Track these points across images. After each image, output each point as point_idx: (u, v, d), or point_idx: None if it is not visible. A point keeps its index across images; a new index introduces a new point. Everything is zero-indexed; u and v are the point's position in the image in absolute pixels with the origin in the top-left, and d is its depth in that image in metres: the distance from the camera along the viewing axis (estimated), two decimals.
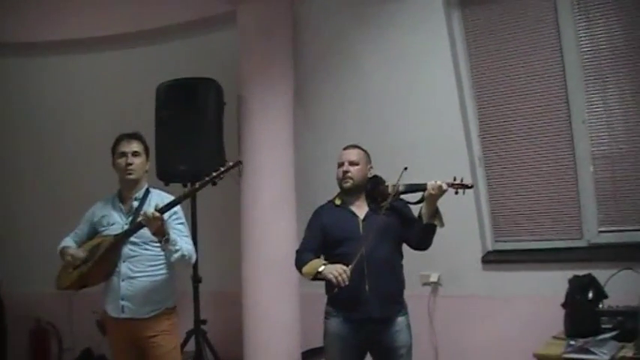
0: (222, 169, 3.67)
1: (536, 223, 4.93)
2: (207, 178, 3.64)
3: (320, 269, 3.51)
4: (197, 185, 3.70)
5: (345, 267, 3.44)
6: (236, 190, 5.07)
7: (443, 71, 4.94)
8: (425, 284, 5.11)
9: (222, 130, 5.09)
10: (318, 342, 5.20)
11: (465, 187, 3.65)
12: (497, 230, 5.07)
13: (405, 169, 3.61)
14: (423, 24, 4.98)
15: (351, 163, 3.79)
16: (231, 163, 3.71)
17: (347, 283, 3.41)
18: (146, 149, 3.93)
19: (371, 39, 5.23)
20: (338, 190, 3.88)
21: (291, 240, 4.94)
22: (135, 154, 3.84)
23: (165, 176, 4.95)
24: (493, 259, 4.99)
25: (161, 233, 3.55)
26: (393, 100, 5.16)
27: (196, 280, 5.13)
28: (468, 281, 5.03)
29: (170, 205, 3.63)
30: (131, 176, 3.83)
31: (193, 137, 4.91)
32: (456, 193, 3.64)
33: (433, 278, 5.10)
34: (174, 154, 4.95)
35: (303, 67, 5.42)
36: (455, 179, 3.64)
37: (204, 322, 5.13)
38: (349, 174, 3.77)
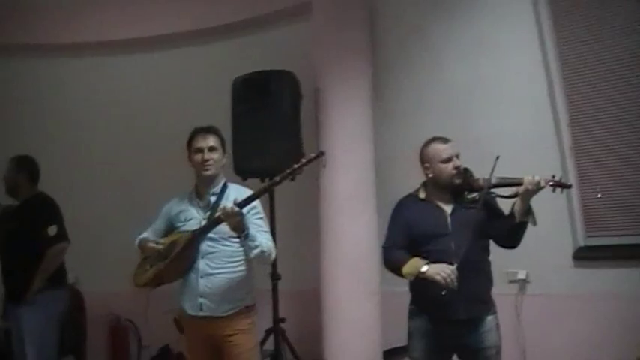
0: (303, 160, 3.52)
1: (630, 217, 4.65)
2: (287, 171, 3.47)
3: (423, 269, 3.33)
4: (277, 179, 3.53)
5: (451, 267, 3.27)
6: (314, 186, 4.98)
7: (530, 58, 4.74)
8: (511, 282, 4.91)
9: (300, 123, 5.00)
10: (398, 341, 5.13)
11: (564, 186, 3.44)
12: (589, 225, 4.81)
13: (498, 158, 3.38)
14: (508, 10, 4.81)
15: (458, 157, 3.57)
16: (313, 155, 3.56)
17: (456, 284, 3.24)
18: (222, 143, 3.84)
19: (452, 27, 5.08)
20: (418, 184, 3.69)
21: (372, 236, 4.84)
22: (211, 149, 3.75)
23: (243, 172, 4.88)
24: (585, 255, 4.75)
25: (240, 228, 3.45)
26: (476, 91, 4.99)
27: (275, 277, 5.05)
28: (557, 279, 4.78)
29: (249, 200, 3.51)
30: (208, 172, 3.75)
31: (270, 131, 4.85)
32: (553, 191, 3.43)
33: (520, 275, 4.90)
34: (251, 149, 4.87)
35: (381, 58, 5.29)
36: (553, 177, 3.42)
37: (282, 320, 5.06)
38: (461, 168, 3.55)
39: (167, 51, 6.31)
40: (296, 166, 3.48)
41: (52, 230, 4.61)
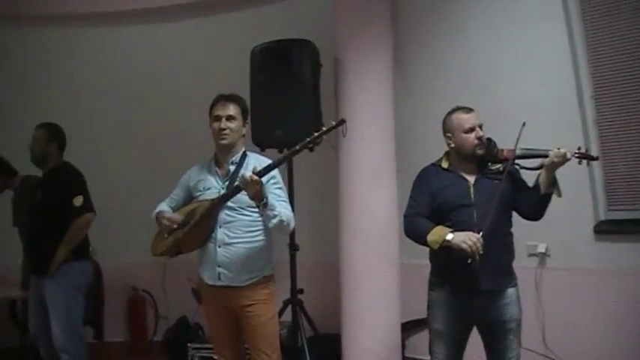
0: (324, 128, 3.44)
1: None
2: (307, 139, 3.41)
3: (448, 237, 3.27)
4: (297, 147, 3.44)
5: (477, 235, 3.22)
6: (333, 156, 4.92)
7: (554, 28, 4.64)
8: (531, 255, 4.86)
9: (319, 93, 4.94)
10: (417, 314, 5.11)
11: (591, 158, 3.41)
12: (611, 198, 4.73)
13: (524, 124, 3.33)
14: None
15: (480, 127, 3.51)
16: (333, 123, 3.46)
17: (481, 252, 3.19)
18: (243, 112, 3.75)
19: None
20: (439, 155, 3.64)
21: (392, 208, 4.80)
22: (229, 118, 3.66)
23: (261, 142, 4.84)
24: (606, 229, 4.68)
25: (259, 197, 3.37)
26: (498, 62, 4.91)
27: (293, 248, 5.03)
28: (578, 253, 4.73)
29: (269, 168, 3.44)
30: (224, 141, 3.67)
31: (289, 101, 4.80)
32: (580, 163, 3.39)
33: (541, 249, 4.84)
34: (270, 119, 4.83)
35: (402, 28, 5.21)
36: (579, 148, 3.38)
37: (301, 291, 5.04)
38: (483, 138, 3.49)
39: (185, 20, 6.24)
40: (316, 134, 3.42)
41: (78, 201, 4.52)
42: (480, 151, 3.48)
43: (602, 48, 4.63)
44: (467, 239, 3.21)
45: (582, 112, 4.69)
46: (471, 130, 3.49)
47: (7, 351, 5.78)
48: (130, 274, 6.41)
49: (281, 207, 3.54)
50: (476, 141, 3.48)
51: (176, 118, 6.19)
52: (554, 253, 4.85)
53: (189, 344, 5.66)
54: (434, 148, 3.70)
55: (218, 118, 3.68)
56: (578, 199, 4.61)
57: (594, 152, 4.59)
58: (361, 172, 4.87)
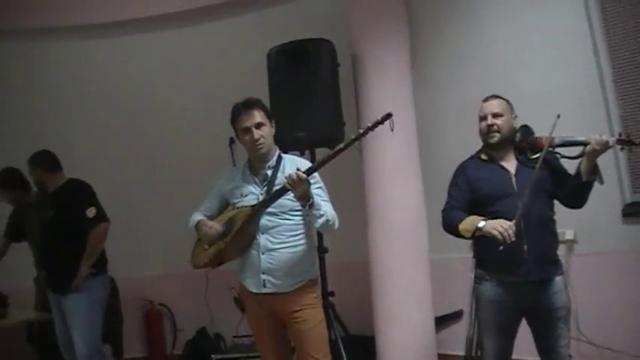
0: (369, 124, 3.34)
1: None
2: (353, 137, 3.33)
3: (480, 225, 3.29)
4: (342, 145, 3.35)
5: (508, 222, 3.20)
6: (356, 155, 4.87)
7: (573, 16, 4.65)
8: (560, 242, 4.81)
9: (339, 91, 4.90)
10: (449, 308, 5.08)
11: (632, 143, 3.37)
12: (636, 180, 4.72)
13: (559, 116, 3.33)
14: None
15: (495, 116, 3.50)
16: (379, 118, 3.35)
17: (513, 239, 3.18)
18: (267, 113, 3.64)
19: None
20: (461, 148, 3.64)
21: (418, 203, 4.78)
22: (259, 125, 3.55)
23: (283, 143, 4.71)
24: (633, 211, 4.66)
25: (305, 197, 3.29)
26: (516, 51, 4.90)
27: (322, 250, 4.95)
28: (606, 237, 4.71)
29: (315, 168, 3.38)
30: (262, 150, 3.57)
31: (309, 101, 4.75)
32: (622, 149, 3.41)
33: (569, 236, 4.80)
34: (291, 121, 4.72)
35: (418, 23, 5.18)
36: (620, 135, 3.38)
37: (331, 294, 4.98)
38: (495, 127, 3.49)
39: (197, 25, 6.18)
40: (362, 131, 3.34)
41: (91, 212, 4.55)
42: (491, 140, 3.51)
43: (621, 31, 4.62)
44: (498, 226, 3.22)
45: (605, 96, 4.68)
46: (484, 118, 3.53)
47: None
48: (144, 287, 6.31)
49: (326, 206, 3.48)
50: (485, 129, 3.52)
51: (189, 128, 6.12)
52: (582, 238, 4.83)
53: (212, 355, 5.60)
54: (453, 142, 3.73)
55: (247, 130, 3.56)
56: (604, 184, 4.61)
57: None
58: (385, 167, 4.84)
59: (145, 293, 6.36)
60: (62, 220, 4.54)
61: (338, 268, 5.30)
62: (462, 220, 3.39)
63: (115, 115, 6.37)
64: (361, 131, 3.34)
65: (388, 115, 3.37)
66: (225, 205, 3.73)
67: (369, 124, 3.35)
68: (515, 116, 3.60)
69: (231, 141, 5.38)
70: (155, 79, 6.31)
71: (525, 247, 3.34)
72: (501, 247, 3.20)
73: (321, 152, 4.40)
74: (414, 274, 4.80)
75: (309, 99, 4.74)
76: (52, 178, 4.70)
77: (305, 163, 3.55)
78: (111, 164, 6.29)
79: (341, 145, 3.37)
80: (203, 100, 5.84)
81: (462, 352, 4.80)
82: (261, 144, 3.56)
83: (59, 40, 6.18)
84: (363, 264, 5.03)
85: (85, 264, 4.47)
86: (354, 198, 5.06)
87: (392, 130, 3.32)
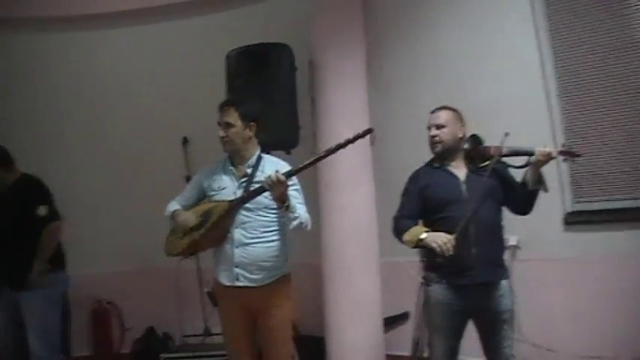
0: (350, 137, 3.49)
1: (618, 182, 4.75)
2: (333, 146, 3.49)
3: (422, 237, 3.43)
4: (322, 153, 3.54)
5: (449, 236, 3.34)
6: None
7: (521, 29, 4.82)
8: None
9: (296, 96, 4.98)
10: (396, 309, 5.17)
11: (574, 155, 3.56)
12: (577, 190, 4.91)
13: (507, 134, 3.51)
14: None
15: (438, 127, 3.65)
16: (360, 132, 3.51)
17: (451, 252, 3.33)
18: (243, 116, 3.71)
19: None
20: (414, 155, 3.79)
21: (370, 208, 4.86)
22: (227, 125, 3.67)
23: None
24: (574, 220, 4.86)
25: (282, 199, 3.43)
26: (468, 62, 5.06)
27: None
28: (548, 244, 4.91)
29: (295, 171, 3.52)
30: (224, 148, 3.72)
31: (269, 105, 4.73)
32: (565, 160, 3.59)
33: (512, 242, 4.92)
34: None
35: (376, 32, 5.31)
36: (563, 146, 3.57)
37: None
38: (436, 138, 3.65)
39: (159, 24, 6.16)
40: (342, 142, 3.48)
41: (42, 210, 4.48)
42: (435, 150, 3.65)
43: (567, 45, 4.79)
44: (438, 239, 3.35)
45: (549, 107, 4.85)
46: (428, 128, 3.68)
47: None
48: (92, 285, 6.19)
49: (300, 209, 3.61)
50: (429, 140, 3.67)
51: (146, 123, 6.05)
52: (525, 245, 4.98)
53: (161, 355, 5.58)
54: (407, 148, 3.82)
55: (219, 125, 3.70)
56: (547, 193, 4.78)
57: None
58: (340, 173, 4.94)
59: (92, 291, 6.29)
60: (13, 218, 4.45)
61: (290, 268, 5.35)
62: (407, 230, 3.52)
63: (69, 109, 6.34)
64: (342, 141, 3.49)
65: (369, 130, 3.55)
66: (202, 196, 3.82)
67: (350, 137, 3.49)
68: (463, 125, 3.72)
69: (184, 140, 5.47)
70: (118, 75, 6.27)
71: (473, 250, 3.48)
72: (438, 259, 3.35)
73: (276, 155, 4.46)
74: (364, 277, 4.92)
75: (266, 102, 4.75)
76: (3, 174, 4.59)
77: (285, 166, 3.67)
78: (63, 160, 6.22)
79: (321, 153, 3.56)
80: (161, 98, 5.83)
81: (408, 353, 4.92)
82: (224, 142, 3.69)
83: (27, 32, 6.15)
84: (315, 266, 5.11)
85: (38, 261, 4.39)
86: (307, 201, 5.13)
87: (372, 145, 3.44)
